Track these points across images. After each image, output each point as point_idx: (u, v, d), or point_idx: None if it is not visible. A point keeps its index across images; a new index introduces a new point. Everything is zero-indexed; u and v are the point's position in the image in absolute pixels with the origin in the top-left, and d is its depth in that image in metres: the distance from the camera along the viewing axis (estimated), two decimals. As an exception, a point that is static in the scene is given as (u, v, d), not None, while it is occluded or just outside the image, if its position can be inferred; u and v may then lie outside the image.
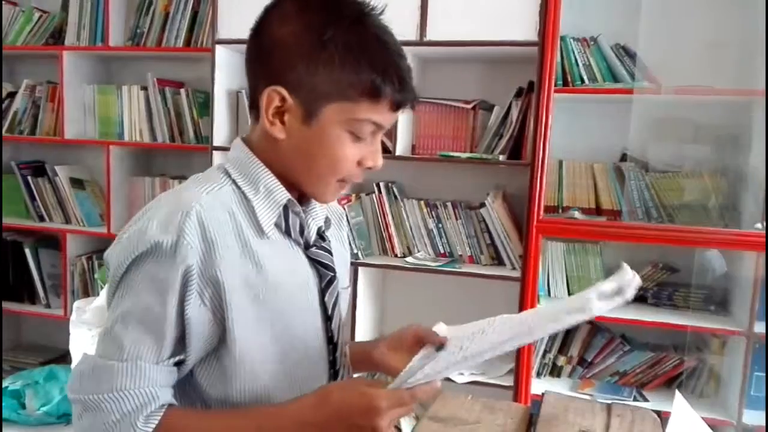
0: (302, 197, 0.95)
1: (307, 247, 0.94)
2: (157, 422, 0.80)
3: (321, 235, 0.98)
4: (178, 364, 0.84)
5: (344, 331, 1.01)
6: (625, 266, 0.80)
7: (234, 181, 0.89)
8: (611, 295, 0.78)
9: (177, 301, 0.80)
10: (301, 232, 0.93)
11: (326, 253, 0.96)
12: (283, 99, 0.84)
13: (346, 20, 0.83)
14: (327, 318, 0.95)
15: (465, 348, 0.82)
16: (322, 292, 0.94)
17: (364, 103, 0.83)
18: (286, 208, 0.90)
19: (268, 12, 0.87)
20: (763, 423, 2.00)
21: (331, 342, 0.96)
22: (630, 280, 0.79)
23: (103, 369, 0.80)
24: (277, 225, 0.90)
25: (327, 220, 1.01)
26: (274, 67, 0.85)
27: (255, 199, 0.88)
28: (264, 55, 0.87)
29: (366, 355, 1.03)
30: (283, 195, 0.89)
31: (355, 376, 1.08)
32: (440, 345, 0.83)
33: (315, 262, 0.94)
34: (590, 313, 0.77)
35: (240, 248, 0.85)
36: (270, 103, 0.85)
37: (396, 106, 0.86)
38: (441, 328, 0.94)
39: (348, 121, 0.84)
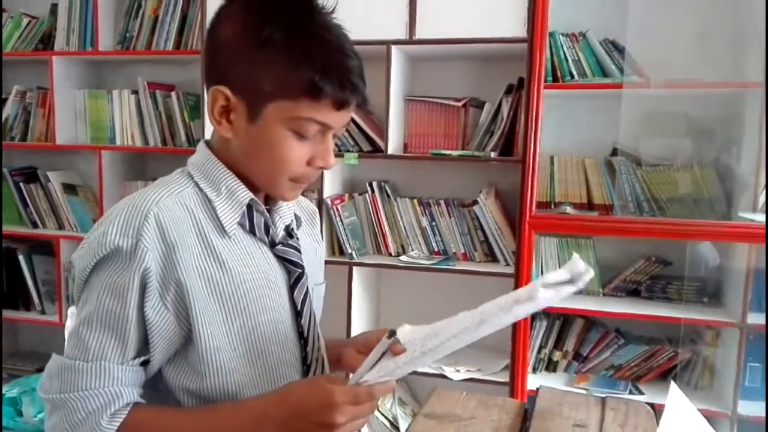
0: (268, 196, 0.96)
1: (273, 245, 0.95)
2: (121, 420, 0.82)
3: (290, 233, 0.99)
4: (144, 363, 0.85)
5: (317, 326, 1.02)
6: (576, 257, 0.80)
7: (196, 183, 0.90)
8: (558, 284, 0.77)
9: (136, 303, 0.82)
10: (267, 230, 0.94)
11: (293, 251, 0.97)
12: (227, 98, 0.86)
13: (286, 19, 0.83)
14: (297, 314, 0.96)
15: (424, 345, 0.83)
16: (291, 289, 0.96)
17: (305, 101, 0.83)
18: (250, 207, 0.92)
19: (217, 13, 0.89)
20: (758, 413, 2.01)
21: (303, 337, 0.97)
22: (581, 271, 0.77)
23: (70, 369, 0.82)
24: (240, 224, 0.91)
25: (297, 219, 1.03)
26: (218, 67, 0.87)
27: (217, 200, 0.89)
28: (211, 55, 0.89)
29: (336, 357, 1.04)
30: (245, 195, 0.91)
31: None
32: (392, 331, 0.84)
33: (282, 260, 0.95)
34: (537, 303, 0.77)
35: (202, 249, 0.86)
36: (215, 103, 0.87)
37: (339, 105, 0.85)
38: (405, 330, 0.96)
39: (290, 119, 0.84)
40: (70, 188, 2.80)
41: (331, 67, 0.83)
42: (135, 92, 2.65)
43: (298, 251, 0.98)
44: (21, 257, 2.80)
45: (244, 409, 0.85)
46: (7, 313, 2.84)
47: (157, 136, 2.63)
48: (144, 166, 2.85)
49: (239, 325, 0.89)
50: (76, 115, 2.74)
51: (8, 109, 2.80)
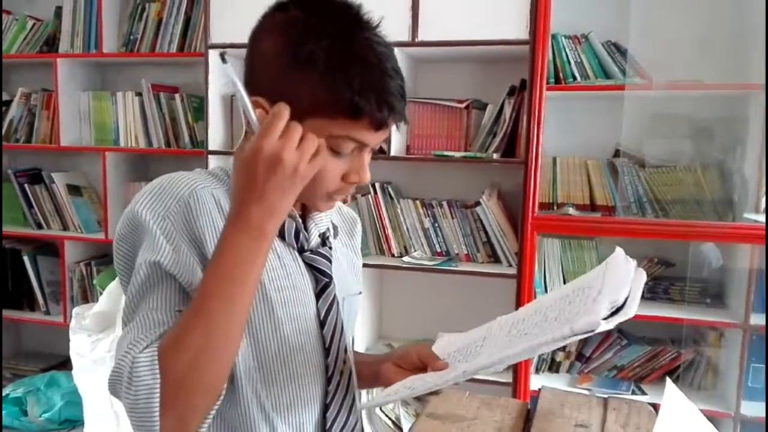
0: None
1: (301, 251, 0.94)
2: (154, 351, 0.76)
3: (324, 240, 0.98)
4: None
5: (344, 337, 1.00)
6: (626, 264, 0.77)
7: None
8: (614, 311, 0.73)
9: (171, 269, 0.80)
10: (296, 236, 0.93)
11: (322, 259, 0.96)
12: (265, 110, 0.84)
13: (329, 35, 0.81)
14: (321, 324, 0.95)
15: (467, 366, 0.82)
16: (317, 297, 0.95)
17: (343, 120, 0.82)
18: None
19: (260, 21, 0.88)
20: (761, 414, 2.01)
21: (326, 347, 0.96)
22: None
23: (126, 332, 0.79)
24: None
25: (335, 228, 1.01)
26: (257, 78, 0.86)
27: None
28: (251, 64, 0.88)
29: (373, 371, 1.02)
30: None
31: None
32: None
33: (310, 267, 0.94)
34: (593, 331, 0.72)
35: None
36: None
37: (376, 126, 0.83)
38: (442, 342, 0.94)
39: (327, 137, 0.82)
40: (74, 189, 2.81)
41: (370, 88, 0.81)
42: (139, 94, 2.66)
43: (329, 260, 0.97)
44: (26, 258, 2.82)
45: (223, 235, 0.78)
46: (12, 314, 2.86)
47: (160, 137, 2.65)
48: (147, 167, 2.86)
49: (263, 324, 0.88)
50: (81, 116, 2.75)
51: (13, 111, 2.82)
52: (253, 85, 0.86)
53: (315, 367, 0.95)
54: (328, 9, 0.84)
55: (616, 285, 0.76)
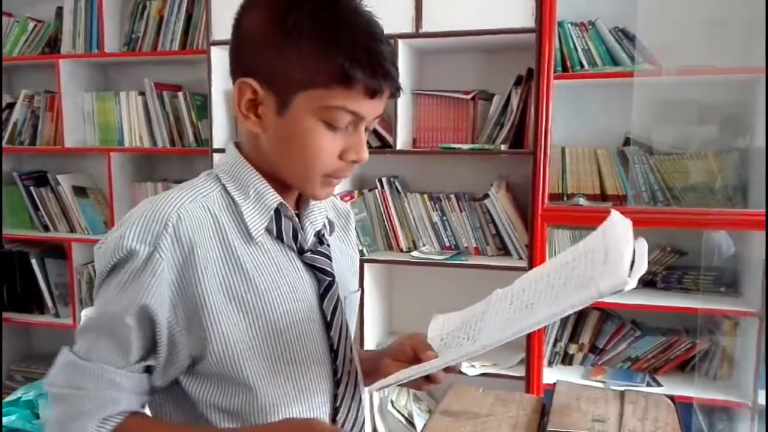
0: (300, 200, 0.93)
1: (301, 252, 0.91)
2: (111, 427, 0.80)
3: (320, 239, 0.95)
4: (149, 370, 0.83)
5: (350, 337, 0.98)
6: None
7: (224, 186, 0.87)
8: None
9: (143, 309, 0.80)
10: (295, 237, 0.90)
11: (323, 258, 0.93)
12: (254, 91, 0.82)
13: (312, 4, 0.79)
14: (327, 325, 0.92)
15: (461, 347, 0.81)
16: (321, 299, 0.91)
17: (336, 89, 0.79)
18: (278, 212, 0.88)
19: (243, 4, 0.85)
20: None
21: (333, 350, 0.93)
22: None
23: (73, 365, 0.82)
24: (268, 230, 0.87)
25: (331, 224, 0.98)
26: (244, 59, 0.83)
27: (244, 204, 0.86)
28: (235, 47, 0.85)
29: (374, 368, 0.99)
30: (273, 199, 0.87)
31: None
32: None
33: (311, 268, 0.91)
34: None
35: (225, 259, 0.83)
36: (242, 96, 0.83)
37: (371, 93, 0.81)
38: (437, 323, 0.93)
39: (320, 109, 0.80)
40: (80, 191, 2.81)
41: (360, 52, 0.78)
42: (142, 93, 2.65)
43: (329, 258, 0.94)
44: (34, 261, 2.81)
45: None
46: (22, 317, 2.86)
47: (165, 136, 2.63)
48: (153, 166, 2.85)
49: (264, 336, 0.85)
50: (85, 117, 2.74)
51: (17, 114, 2.81)
52: (239, 67, 0.84)
53: (324, 373, 0.92)
54: None
55: (621, 243, 0.75)
